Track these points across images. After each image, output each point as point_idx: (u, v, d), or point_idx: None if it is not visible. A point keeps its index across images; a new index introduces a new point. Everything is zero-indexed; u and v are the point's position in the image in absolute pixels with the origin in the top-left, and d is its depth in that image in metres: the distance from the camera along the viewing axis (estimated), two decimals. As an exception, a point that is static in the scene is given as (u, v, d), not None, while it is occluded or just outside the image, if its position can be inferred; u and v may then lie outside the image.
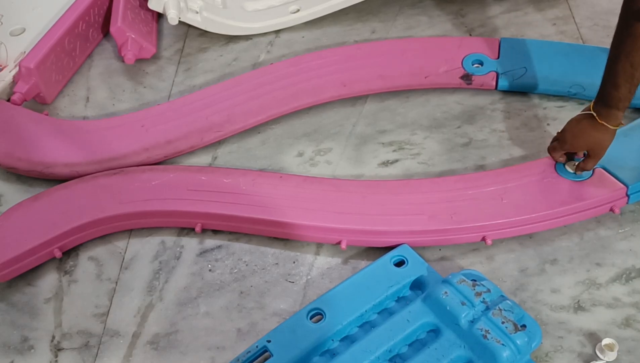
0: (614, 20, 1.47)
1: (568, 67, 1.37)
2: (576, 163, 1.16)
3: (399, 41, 1.48)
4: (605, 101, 1.07)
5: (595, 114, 1.08)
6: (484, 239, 1.12)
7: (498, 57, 1.39)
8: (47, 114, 1.38)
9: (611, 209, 1.14)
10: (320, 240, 1.16)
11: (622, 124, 1.09)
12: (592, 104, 1.10)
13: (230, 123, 1.33)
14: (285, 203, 1.16)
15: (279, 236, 1.17)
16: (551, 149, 1.17)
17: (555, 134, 1.19)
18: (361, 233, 1.13)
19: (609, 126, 1.08)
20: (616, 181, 1.15)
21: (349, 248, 1.15)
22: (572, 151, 1.15)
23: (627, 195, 1.14)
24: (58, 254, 1.15)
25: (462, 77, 1.37)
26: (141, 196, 1.19)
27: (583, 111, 1.12)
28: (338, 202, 1.16)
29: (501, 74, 1.37)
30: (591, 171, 1.16)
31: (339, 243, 1.14)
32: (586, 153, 1.13)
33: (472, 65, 1.39)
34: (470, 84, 1.36)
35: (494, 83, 1.36)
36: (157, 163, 1.30)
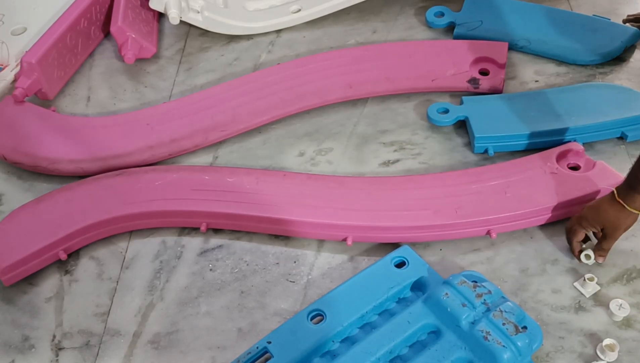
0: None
1: (520, 23, 1.47)
2: (589, 251, 1.09)
3: (407, 44, 1.47)
4: (630, 182, 1.01)
5: (615, 192, 1.03)
6: (488, 233, 1.13)
7: (460, 10, 1.52)
8: (54, 110, 1.38)
9: None
10: (326, 237, 1.16)
11: None
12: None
13: (235, 123, 1.33)
14: (290, 201, 1.17)
15: (285, 234, 1.17)
16: (570, 231, 1.10)
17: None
18: (367, 229, 1.14)
19: (625, 206, 1.02)
20: (618, 173, 1.16)
21: (350, 248, 1.15)
22: (587, 226, 1.07)
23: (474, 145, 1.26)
24: (63, 256, 1.15)
25: (469, 81, 1.37)
26: (145, 196, 1.19)
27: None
28: (343, 199, 1.16)
29: (458, 24, 1.49)
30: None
31: (344, 239, 1.14)
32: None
33: (435, 16, 1.52)
34: (478, 88, 1.36)
35: (501, 87, 1.36)
36: (160, 161, 1.30)
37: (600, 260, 1.08)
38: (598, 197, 1.11)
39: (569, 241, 1.10)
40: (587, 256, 1.08)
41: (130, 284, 1.14)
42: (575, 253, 1.10)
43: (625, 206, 1.02)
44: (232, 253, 1.17)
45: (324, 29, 1.57)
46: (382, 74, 1.39)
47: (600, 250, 1.08)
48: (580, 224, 1.07)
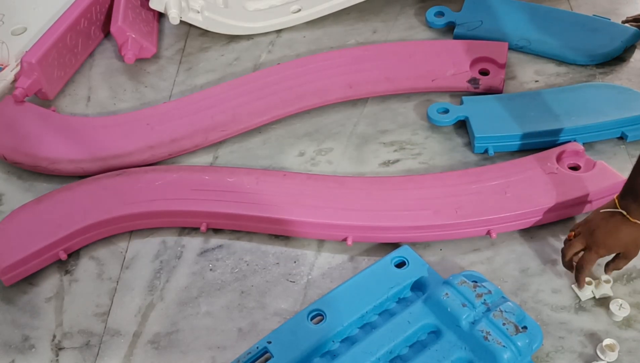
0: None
1: (520, 23, 1.48)
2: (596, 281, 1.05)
3: (407, 44, 1.48)
4: (637, 197, 0.97)
5: (625, 213, 0.97)
6: (488, 233, 1.13)
7: (460, 10, 1.52)
8: (54, 110, 1.38)
9: None
10: (326, 237, 1.16)
11: None
12: (617, 200, 0.99)
13: (235, 123, 1.33)
14: (290, 201, 1.17)
15: (285, 234, 1.17)
16: (586, 261, 1.02)
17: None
18: (367, 229, 1.14)
19: None
20: (618, 173, 1.16)
21: (350, 248, 1.15)
22: (605, 254, 1.02)
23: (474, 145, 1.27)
24: (63, 256, 1.15)
25: (469, 81, 1.37)
26: (145, 196, 1.19)
27: (605, 208, 1.01)
28: (343, 199, 1.16)
29: (458, 24, 1.49)
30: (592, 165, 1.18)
31: (344, 239, 1.14)
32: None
33: (435, 16, 1.52)
34: (478, 88, 1.36)
35: (501, 87, 1.37)
36: (161, 161, 1.30)
37: (609, 274, 1.06)
38: (594, 219, 1.03)
39: (580, 271, 1.04)
40: (622, 308, 1.04)
41: (130, 284, 1.14)
42: (581, 281, 1.04)
43: None
44: (232, 253, 1.17)
45: (324, 29, 1.57)
46: (382, 74, 1.39)
47: (616, 269, 1.04)
48: (598, 254, 1.01)
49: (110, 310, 1.11)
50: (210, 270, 1.15)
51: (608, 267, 1.05)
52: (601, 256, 1.02)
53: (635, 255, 1.02)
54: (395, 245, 1.12)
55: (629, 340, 1.01)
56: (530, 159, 1.20)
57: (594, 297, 1.06)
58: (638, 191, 0.97)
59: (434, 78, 1.38)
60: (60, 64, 1.44)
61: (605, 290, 1.05)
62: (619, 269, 1.05)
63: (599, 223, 1.01)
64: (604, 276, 1.05)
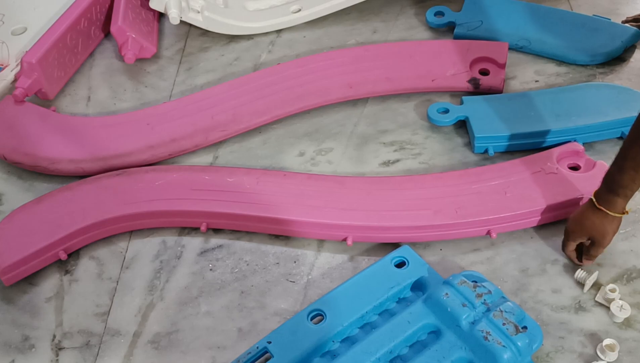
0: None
1: (520, 23, 1.48)
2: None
3: (407, 44, 1.47)
4: (608, 185, 1.00)
5: (594, 199, 1.02)
6: (488, 233, 1.13)
7: (460, 10, 1.52)
8: (54, 110, 1.38)
9: None
10: (326, 237, 1.16)
11: (626, 212, 1.01)
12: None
13: (236, 123, 1.33)
14: (290, 201, 1.17)
15: (285, 234, 1.17)
16: (563, 245, 1.09)
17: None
18: (367, 229, 1.14)
19: (608, 212, 1.00)
20: None
21: (350, 248, 1.15)
22: (576, 239, 1.06)
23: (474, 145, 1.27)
24: (63, 256, 1.15)
25: (469, 81, 1.37)
26: (145, 196, 1.19)
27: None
28: (343, 199, 1.17)
29: (458, 24, 1.49)
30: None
31: (344, 239, 1.14)
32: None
33: (435, 16, 1.52)
34: (478, 88, 1.36)
35: (501, 87, 1.37)
36: (161, 161, 1.30)
37: (587, 264, 1.08)
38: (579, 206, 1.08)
39: (564, 251, 1.10)
40: (622, 309, 1.03)
41: (130, 284, 1.14)
42: (574, 262, 1.10)
43: (608, 212, 1.01)
44: (232, 253, 1.17)
45: (324, 29, 1.57)
46: (382, 74, 1.39)
47: (589, 256, 1.07)
48: (568, 239, 1.07)
49: (110, 310, 1.11)
50: (210, 270, 1.15)
51: (584, 258, 1.08)
52: (574, 242, 1.07)
53: (605, 243, 1.04)
54: (395, 245, 1.12)
55: (629, 340, 1.01)
56: (530, 159, 1.21)
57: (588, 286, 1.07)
58: (610, 181, 1.00)
59: (434, 78, 1.38)
60: (60, 64, 1.44)
61: (585, 277, 1.07)
62: (591, 258, 1.07)
63: (574, 213, 1.07)
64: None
